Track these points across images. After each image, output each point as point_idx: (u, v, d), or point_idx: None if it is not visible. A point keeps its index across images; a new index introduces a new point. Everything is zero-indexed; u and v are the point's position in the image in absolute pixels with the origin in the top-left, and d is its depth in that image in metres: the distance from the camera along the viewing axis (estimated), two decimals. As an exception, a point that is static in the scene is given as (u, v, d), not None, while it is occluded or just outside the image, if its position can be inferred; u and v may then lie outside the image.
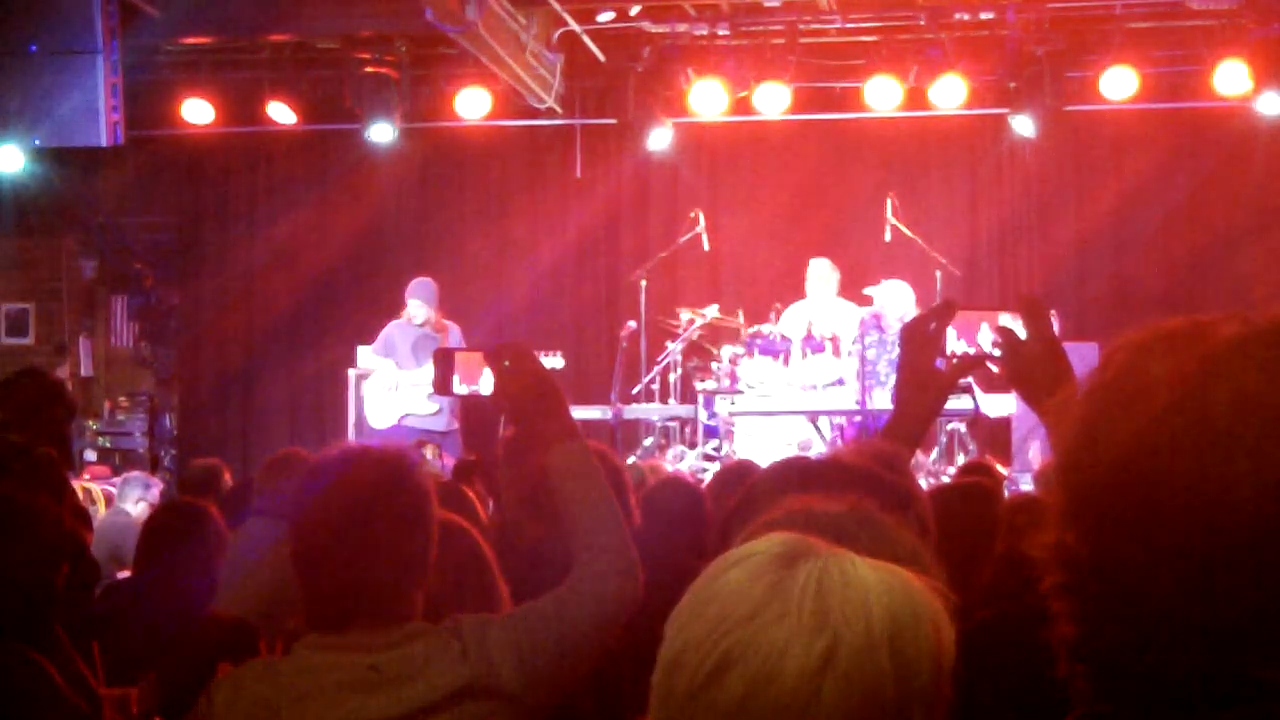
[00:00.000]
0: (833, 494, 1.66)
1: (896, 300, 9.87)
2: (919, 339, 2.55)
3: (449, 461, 8.58)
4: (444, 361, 2.86)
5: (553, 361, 9.93)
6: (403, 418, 10.19)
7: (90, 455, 11.70)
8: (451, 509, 3.20)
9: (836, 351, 10.04)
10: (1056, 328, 8.77)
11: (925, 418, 2.64)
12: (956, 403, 9.64)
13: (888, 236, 10.64)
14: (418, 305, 10.28)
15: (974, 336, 2.49)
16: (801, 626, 1.18)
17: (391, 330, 10.40)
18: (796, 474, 2.16)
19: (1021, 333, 2.42)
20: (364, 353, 11.25)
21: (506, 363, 2.67)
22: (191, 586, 4.07)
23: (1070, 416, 1.25)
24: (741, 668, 1.17)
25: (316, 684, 2.40)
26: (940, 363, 2.54)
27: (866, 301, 10.28)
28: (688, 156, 12.30)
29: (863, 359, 9.83)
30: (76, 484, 4.65)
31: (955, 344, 2.49)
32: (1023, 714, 2.42)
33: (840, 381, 9.96)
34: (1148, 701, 1.17)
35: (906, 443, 2.61)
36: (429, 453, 8.93)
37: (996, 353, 2.44)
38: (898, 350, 3.19)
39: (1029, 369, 2.39)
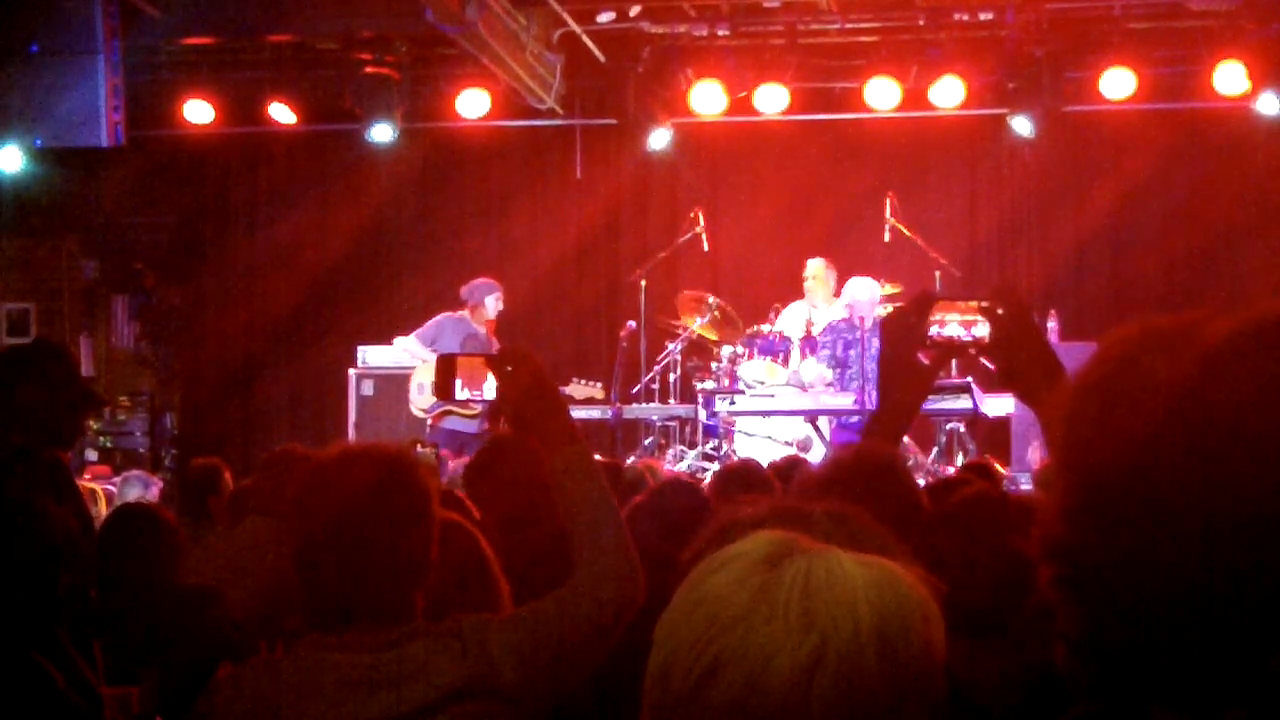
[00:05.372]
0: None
1: (861, 294, 9.88)
2: (899, 332, 2.55)
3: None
4: (446, 366, 2.86)
5: (592, 390, 10.02)
6: (445, 413, 10.22)
7: (91, 455, 11.71)
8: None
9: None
10: (1055, 327, 8.80)
11: (909, 411, 2.64)
12: (956, 403, 9.64)
13: (887, 236, 10.65)
14: (496, 301, 10.45)
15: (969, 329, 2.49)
16: (789, 628, 1.17)
17: (444, 322, 10.46)
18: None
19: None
20: (372, 351, 11.27)
21: (509, 367, 2.68)
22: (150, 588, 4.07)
23: (1067, 413, 1.25)
24: (731, 671, 1.17)
25: (317, 683, 2.41)
26: (921, 355, 2.55)
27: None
28: (688, 156, 12.30)
29: (845, 362, 9.85)
30: (78, 483, 4.65)
31: (935, 331, 2.50)
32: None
33: (836, 379, 9.97)
34: (1147, 697, 1.17)
35: (891, 437, 2.61)
36: (424, 449, 8.97)
37: (980, 331, 2.44)
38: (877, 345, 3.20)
39: (1021, 367, 2.38)
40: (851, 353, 9.80)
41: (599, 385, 10.14)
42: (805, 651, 1.17)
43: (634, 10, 10.80)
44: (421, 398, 10.39)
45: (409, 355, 10.56)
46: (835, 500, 1.55)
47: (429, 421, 10.29)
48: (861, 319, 9.68)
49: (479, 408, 9.89)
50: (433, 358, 10.18)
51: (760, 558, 1.23)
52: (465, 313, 10.50)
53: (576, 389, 9.99)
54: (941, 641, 1.23)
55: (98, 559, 4.22)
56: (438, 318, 10.55)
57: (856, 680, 1.17)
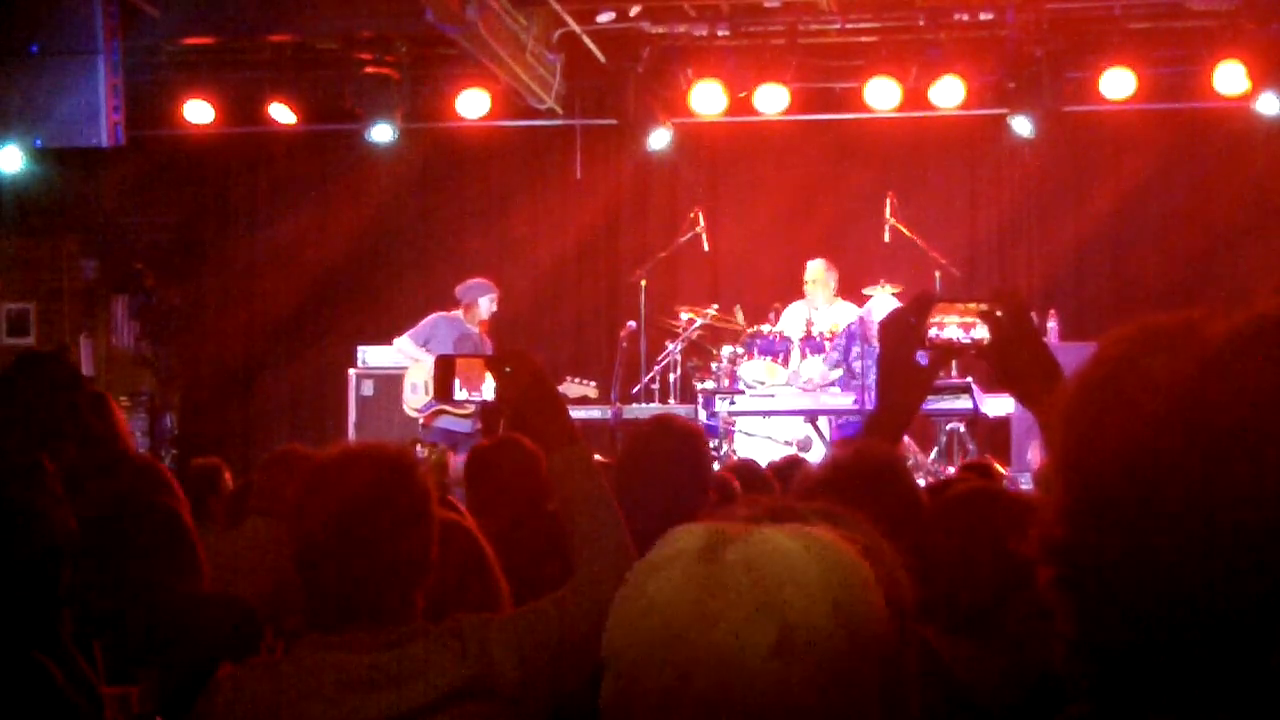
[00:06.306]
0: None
1: (879, 318, 9.86)
2: (898, 333, 2.55)
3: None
4: (444, 367, 2.86)
5: (585, 389, 10.01)
6: (438, 413, 10.21)
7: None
8: None
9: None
10: (1055, 327, 8.80)
11: (908, 412, 2.64)
12: (956, 403, 9.64)
13: (887, 237, 10.64)
14: (490, 302, 10.42)
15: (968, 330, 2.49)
16: (748, 617, 1.17)
17: (439, 322, 10.45)
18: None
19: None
20: (372, 351, 11.27)
21: (508, 369, 2.68)
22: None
23: (1066, 413, 1.25)
24: (702, 675, 1.16)
25: (317, 684, 2.41)
26: (921, 356, 2.55)
27: (866, 301, 10.27)
28: (688, 156, 12.30)
29: (849, 368, 9.84)
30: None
31: (935, 333, 2.50)
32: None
33: (840, 382, 9.97)
34: (1145, 698, 1.17)
35: (890, 437, 2.61)
36: (424, 449, 8.97)
37: (979, 334, 2.44)
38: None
39: (1020, 369, 2.39)
40: (855, 363, 9.79)
41: (593, 384, 10.14)
42: (769, 637, 1.17)
43: (634, 10, 10.80)
44: (414, 397, 10.40)
45: (402, 355, 10.57)
46: (829, 500, 1.54)
47: (421, 421, 10.29)
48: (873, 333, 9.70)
49: (472, 407, 9.89)
50: (426, 357, 10.19)
51: (697, 553, 1.22)
52: (459, 312, 10.49)
53: (570, 388, 9.98)
54: (882, 598, 1.24)
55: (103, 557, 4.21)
56: (431, 317, 10.55)
57: (823, 652, 1.17)
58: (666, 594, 1.20)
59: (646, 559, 1.25)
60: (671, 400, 10.69)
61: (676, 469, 3.83)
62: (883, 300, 9.98)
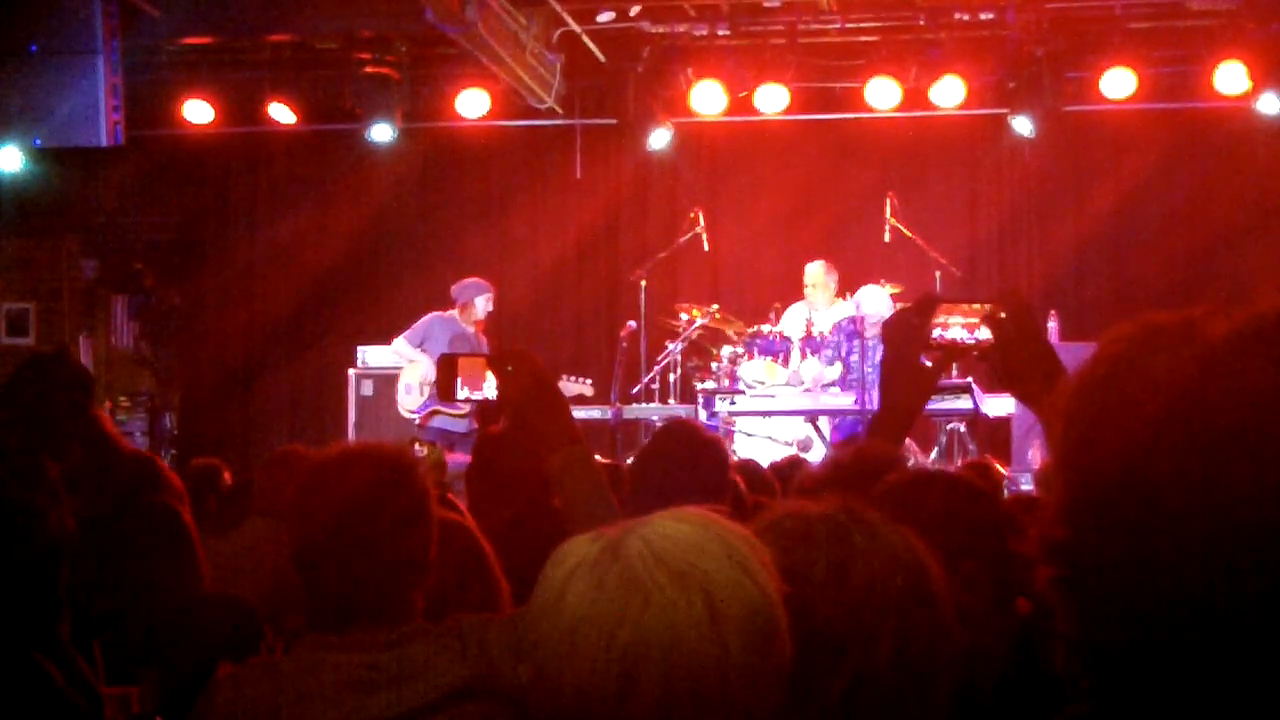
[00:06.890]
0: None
1: (874, 306, 9.86)
2: (902, 334, 2.55)
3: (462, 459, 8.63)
4: (447, 367, 2.86)
5: (581, 388, 10.01)
6: (433, 413, 10.22)
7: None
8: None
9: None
10: (1055, 327, 8.80)
11: (911, 412, 2.64)
12: (956, 403, 9.64)
13: (887, 237, 10.64)
14: (485, 301, 10.40)
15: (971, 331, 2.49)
16: (675, 594, 1.20)
17: (433, 322, 10.44)
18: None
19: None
20: (371, 351, 11.27)
21: (509, 368, 2.68)
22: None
23: (1066, 413, 1.25)
24: (648, 663, 1.18)
25: (317, 683, 2.41)
26: (924, 357, 2.55)
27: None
28: (688, 156, 12.30)
29: (847, 364, 9.84)
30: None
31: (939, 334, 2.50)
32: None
33: (839, 381, 9.97)
34: (1145, 698, 1.17)
35: (893, 438, 2.61)
36: (422, 447, 8.96)
37: (982, 334, 2.44)
38: (880, 351, 3.20)
39: (1021, 368, 2.38)
40: (853, 359, 9.80)
41: (589, 382, 10.13)
42: (699, 606, 1.20)
43: (634, 10, 10.80)
44: (409, 398, 10.40)
45: (399, 356, 10.57)
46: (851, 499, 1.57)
47: (417, 421, 10.29)
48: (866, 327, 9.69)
49: (467, 408, 9.88)
50: (421, 358, 10.19)
51: (597, 557, 1.25)
52: (455, 312, 10.49)
53: (566, 386, 9.97)
54: (762, 548, 1.32)
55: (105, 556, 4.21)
56: (427, 317, 10.55)
57: (745, 607, 1.23)
58: (586, 604, 1.22)
59: (543, 587, 1.27)
60: (671, 400, 10.68)
61: (691, 475, 3.82)
62: (873, 293, 9.97)
